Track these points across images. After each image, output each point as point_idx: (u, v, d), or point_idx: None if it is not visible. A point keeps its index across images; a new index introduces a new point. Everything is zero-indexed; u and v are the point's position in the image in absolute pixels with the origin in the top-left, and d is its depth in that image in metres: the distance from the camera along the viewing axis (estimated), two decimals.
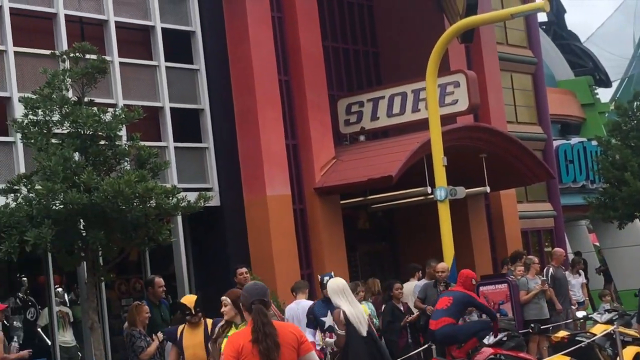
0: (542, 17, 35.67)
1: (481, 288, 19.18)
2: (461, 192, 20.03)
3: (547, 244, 30.07)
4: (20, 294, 18.16)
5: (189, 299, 11.35)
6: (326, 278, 12.81)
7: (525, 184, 26.71)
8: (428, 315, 16.61)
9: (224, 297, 9.39)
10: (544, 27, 39.41)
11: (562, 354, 15.17)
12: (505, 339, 14.97)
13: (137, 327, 13.78)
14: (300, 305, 14.85)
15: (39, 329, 18.15)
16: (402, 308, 16.59)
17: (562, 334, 16.19)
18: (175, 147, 20.09)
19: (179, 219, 19.04)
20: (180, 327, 11.18)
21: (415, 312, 16.94)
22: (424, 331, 16.41)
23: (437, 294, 16.64)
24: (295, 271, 20.41)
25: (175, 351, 11.13)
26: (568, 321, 19.70)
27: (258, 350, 7.22)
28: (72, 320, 18.61)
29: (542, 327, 17.96)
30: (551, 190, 30.43)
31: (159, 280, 15.11)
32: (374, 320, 16.14)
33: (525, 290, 18.82)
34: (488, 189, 23.60)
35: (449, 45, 20.54)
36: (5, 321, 17.50)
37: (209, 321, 11.07)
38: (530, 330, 17.92)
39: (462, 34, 21.44)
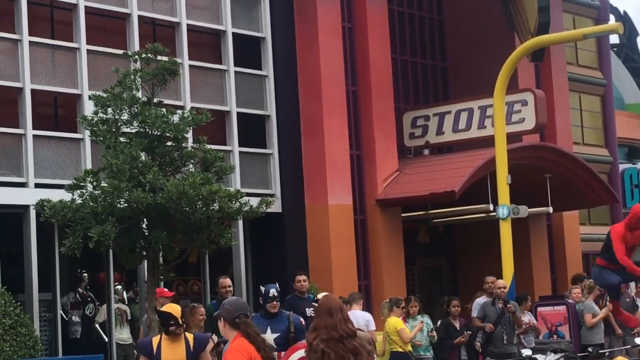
0: (614, 39, 35.35)
1: (539, 309, 19.01)
2: (524, 211, 19.90)
3: None
4: (80, 290, 18.36)
5: (175, 309, 9.94)
6: (272, 290, 11.54)
7: (588, 206, 26.45)
8: (488, 333, 16.49)
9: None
10: (615, 49, 39.02)
11: None
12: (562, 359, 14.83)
13: (192, 329, 13.83)
14: (354, 316, 14.86)
15: (97, 325, 18.32)
16: (457, 325, 16.49)
17: (620, 359, 16.01)
18: (240, 152, 20.20)
19: (240, 223, 19.12)
20: (156, 339, 9.70)
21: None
22: (484, 350, 16.29)
23: (496, 312, 16.51)
24: (353, 281, 20.40)
25: None
26: (627, 347, 19.44)
27: (262, 357, 7.52)
28: (129, 318, 18.76)
29: (600, 352, 17.74)
30: (615, 214, 30.06)
31: (223, 280, 15.13)
32: (434, 333, 16.10)
33: (591, 313, 18.61)
34: (551, 209, 23.42)
35: (519, 63, 20.43)
36: (64, 315, 17.74)
37: (189, 335, 9.89)
38: (589, 354, 17.72)
39: (533, 52, 21.31)
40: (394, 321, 15.75)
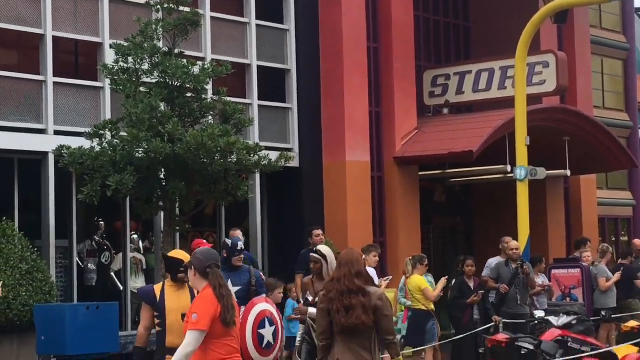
0: (639, 2, 35.04)
1: (553, 271, 19.03)
2: (542, 173, 19.86)
3: (623, 232, 29.71)
4: (96, 238, 18.45)
5: (184, 255, 9.55)
6: (240, 243, 11.39)
7: (606, 170, 26.39)
8: (502, 294, 16.54)
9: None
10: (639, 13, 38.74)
11: (631, 344, 15.01)
12: (575, 322, 14.83)
13: None
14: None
15: (112, 274, 18.45)
16: (472, 285, 16.52)
17: (633, 324, 16.02)
18: (260, 106, 20.19)
19: (258, 176, 19.15)
20: (158, 287, 9.32)
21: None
22: (497, 310, 16.35)
23: (510, 273, 16.55)
24: (369, 238, 20.42)
25: (150, 313, 9.21)
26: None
27: (220, 309, 7.56)
28: (144, 267, 18.88)
29: (613, 316, 17.79)
30: (633, 179, 30.01)
31: (233, 232, 15.18)
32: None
33: (605, 277, 18.63)
34: (569, 172, 23.38)
35: (542, 24, 20.31)
36: (80, 263, 17.85)
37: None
38: (601, 317, 17.77)
39: (556, 14, 21.13)
40: (418, 280, 15.82)
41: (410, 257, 16.55)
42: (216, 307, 7.60)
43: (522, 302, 16.75)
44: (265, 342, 10.33)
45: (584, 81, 26.25)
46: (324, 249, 11.12)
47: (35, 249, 15.42)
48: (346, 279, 8.85)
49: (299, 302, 12.89)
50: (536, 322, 15.34)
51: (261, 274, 11.65)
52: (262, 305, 10.71)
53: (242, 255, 11.44)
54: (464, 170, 22.95)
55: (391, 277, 16.70)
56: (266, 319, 10.50)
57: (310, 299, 10.91)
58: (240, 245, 11.46)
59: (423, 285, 15.72)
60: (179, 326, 9.02)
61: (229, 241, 11.57)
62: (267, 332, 10.48)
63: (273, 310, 10.71)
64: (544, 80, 22.74)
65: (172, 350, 8.87)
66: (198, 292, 7.84)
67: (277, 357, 10.50)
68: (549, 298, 17.83)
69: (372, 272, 15.54)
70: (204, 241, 14.24)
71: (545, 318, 15.21)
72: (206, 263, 7.75)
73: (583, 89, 26.12)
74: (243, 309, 10.29)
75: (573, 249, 21.20)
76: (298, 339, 11.22)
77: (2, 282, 12.87)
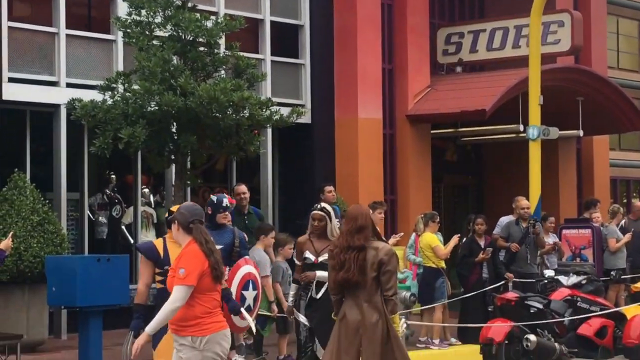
0: None
1: (564, 231, 19.03)
2: (554, 132, 19.77)
3: (635, 194, 29.67)
4: (107, 191, 18.49)
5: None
6: (225, 200, 11.21)
7: (620, 131, 26.29)
8: (512, 252, 16.56)
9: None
10: None
11: None
12: (584, 282, 14.85)
13: None
14: None
15: (123, 227, 18.50)
16: (482, 243, 16.52)
17: None
18: (272, 61, 20.13)
19: (269, 132, 19.13)
20: (159, 243, 9.08)
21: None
22: (507, 269, 16.37)
23: (521, 232, 16.56)
24: (379, 195, 20.41)
25: (151, 270, 8.97)
26: None
27: (209, 265, 7.66)
28: (155, 221, 18.94)
29: (622, 277, 17.80)
30: None
31: (238, 187, 15.15)
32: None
33: (615, 237, 18.61)
34: (581, 133, 23.32)
35: None
36: (91, 215, 17.90)
37: None
38: (611, 278, 17.78)
39: None
40: (429, 237, 15.82)
41: (422, 215, 16.54)
42: (204, 263, 7.65)
43: (531, 261, 16.79)
44: (246, 305, 10.36)
45: (598, 41, 26.08)
46: (328, 206, 11.10)
47: (47, 201, 15.45)
48: (348, 234, 8.94)
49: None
50: (546, 281, 15.36)
51: (244, 235, 11.51)
52: (248, 267, 10.75)
53: (227, 213, 11.30)
54: (476, 129, 22.90)
55: (402, 234, 16.72)
56: (250, 282, 10.53)
57: (313, 258, 10.87)
58: (226, 202, 11.31)
59: (434, 243, 15.73)
60: None
61: (214, 197, 11.42)
62: (250, 295, 10.54)
63: (257, 275, 10.74)
64: (559, 40, 22.61)
65: None
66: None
67: (247, 327, 10.44)
68: (559, 258, 17.85)
69: None
70: (229, 197, 14.22)
71: (555, 277, 15.23)
72: (190, 218, 7.79)
73: (598, 49, 25.97)
74: (228, 271, 10.27)
75: (583, 209, 21.17)
76: (291, 298, 11.17)
77: (12, 232, 12.90)
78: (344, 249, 8.92)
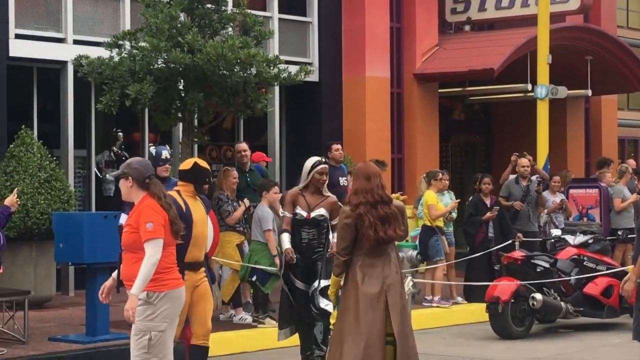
0: None
1: (571, 191, 19.01)
2: (562, 91, 19.73)
3: None
4: (114, 149, 18.48)
5: (205, 163, 9.38)
6: (164, 152, 11.01)
7: (628, 91, 26.21)
8: (517, 210, 16.58)
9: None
10: None
11: None
12: (591, 241, 14.86)
13: (225, 191, 13.95)
14: None
15: None
16: (488, 203, 16.51)
17: None
18: (280, 19, 20.05)
19: (277, 90, 19.09)
20: (179, 197, 8.97)
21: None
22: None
23: (521, 190, 16.60)
24: (386, 154, 20.42)
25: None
26: None
27: (168, 219, 7.59)
28: None
29: (629, 236, 17.79)
30: None
31: (239, 145, 15.11)
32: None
33: (620, 197, 18.58)
34: (590, 92, 23.26)
35: None
36: (98, 173, 17.91)
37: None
38: (617, 237, 17.80)
39: None
40: (427, 196, 15.80)
41: (424, 175, 16.53)
42: (165, 216, 7.57)
43: (532, 219, 16.86)
44: None
45: (608, 0, 25.94)
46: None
47: (54, 158, 15.46)
48: (380, 189, 8.71)
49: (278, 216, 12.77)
50: (553, 240, 15.38)
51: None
52: None
53: (168, 165, 11.13)
54: (484, 88, 22.86)
55: (406, 197, 16.74)
56: None
57: (305, 214, 10.68)
58: (165, 153, 11.14)
59: (429, 202, 15.68)
60: (204, 238, 9.13)
61: (153, 150, 11.31)
62: None
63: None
64: None
65: (192, 265, 8.96)
66: (133, 203, 7.71)
67: None
68: (565, 217, 17.84)
69: None
70: (264, 154, 13.99)
71: (562, 237, 15.25)
72: (146, 173, 7.65)
73: (607, 8, 25.85)
74: None
75: (594, 168, 21.12)
76: (288, 245, 10.72)
77: (17, 188, 12.89)
78: (374, 204, 8.61)
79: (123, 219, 10.50)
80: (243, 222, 14.05)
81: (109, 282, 7.95)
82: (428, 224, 15.74)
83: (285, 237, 10.78)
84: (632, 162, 21.12)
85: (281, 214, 11.24)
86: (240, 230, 13.93)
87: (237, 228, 13.87)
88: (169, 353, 7.69)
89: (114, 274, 7.88)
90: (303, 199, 10.71)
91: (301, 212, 10.68)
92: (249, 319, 13.68)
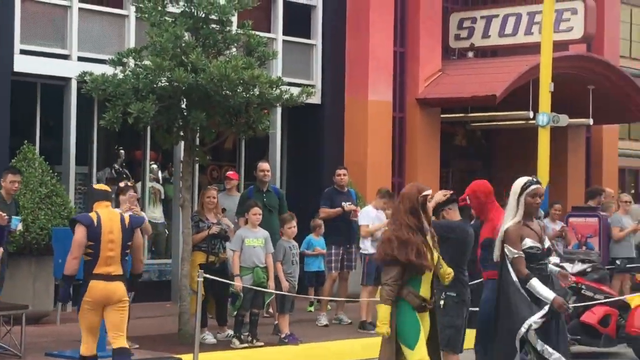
0: None
1: (571, 219, 19.02)
2: (564, 120, 19.76)
3: None
4: (116, 166, 18.51)
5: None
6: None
7: (630, 121, 26.27)
8: None
9: None
10: None
11: None
12: (589, 270, 14.86)
13: (202, 210, 14.22)
14: (366, 210, 16.04)
15: None
16: None
17: None
18: (284, 40, 20.12)
19: (279, 111, 19.14)
20: (93, 215, 10.18)
21: None
22: None
23: None
24: (387, 178, 20.47)
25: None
26: None
27: None
28: (162, 197, 18.96)
29: (628, 266, 17.79)
30: None
31: (262, 164, 15.47)
32: None
33: (618, 226, 18.59)
34: (591, 121, 23.29)
35: None
36: None
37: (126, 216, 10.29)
38: (616, 267, 17.78)
39: None
40: None
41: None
42: None
43: None
44: None
45: (611, 30, 26.03)
46: None
47: (55, 174, 15.49)
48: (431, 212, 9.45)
49: None
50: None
51: None
52: None
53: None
54: (486, 115, 22.91)
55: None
56: None
57: (539, 245, 9.55)
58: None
59: None
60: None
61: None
62: None
63: None
64: (571, 27, 22.58)
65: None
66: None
67: None
68: (564, 245, 17.83)
69: (380, 214, 15.69)
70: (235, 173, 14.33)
71: (560, 264, 15.21)
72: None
73: (610, 38, 25.92)
74: None
75: (585, 197, 21.14)
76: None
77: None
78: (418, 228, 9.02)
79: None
80: (218, 242, 14.13)
81: None
82: None
83: (540, 284, 9.49)
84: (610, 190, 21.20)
85: (515, 255, 9.54)
86: (205, 250, 14.05)
87: (202, 248, 14.05)
88: None
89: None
90: (529, 230, 9.50)
91: (536, 244, 9.51)
92: (212, 339, 13.84)
